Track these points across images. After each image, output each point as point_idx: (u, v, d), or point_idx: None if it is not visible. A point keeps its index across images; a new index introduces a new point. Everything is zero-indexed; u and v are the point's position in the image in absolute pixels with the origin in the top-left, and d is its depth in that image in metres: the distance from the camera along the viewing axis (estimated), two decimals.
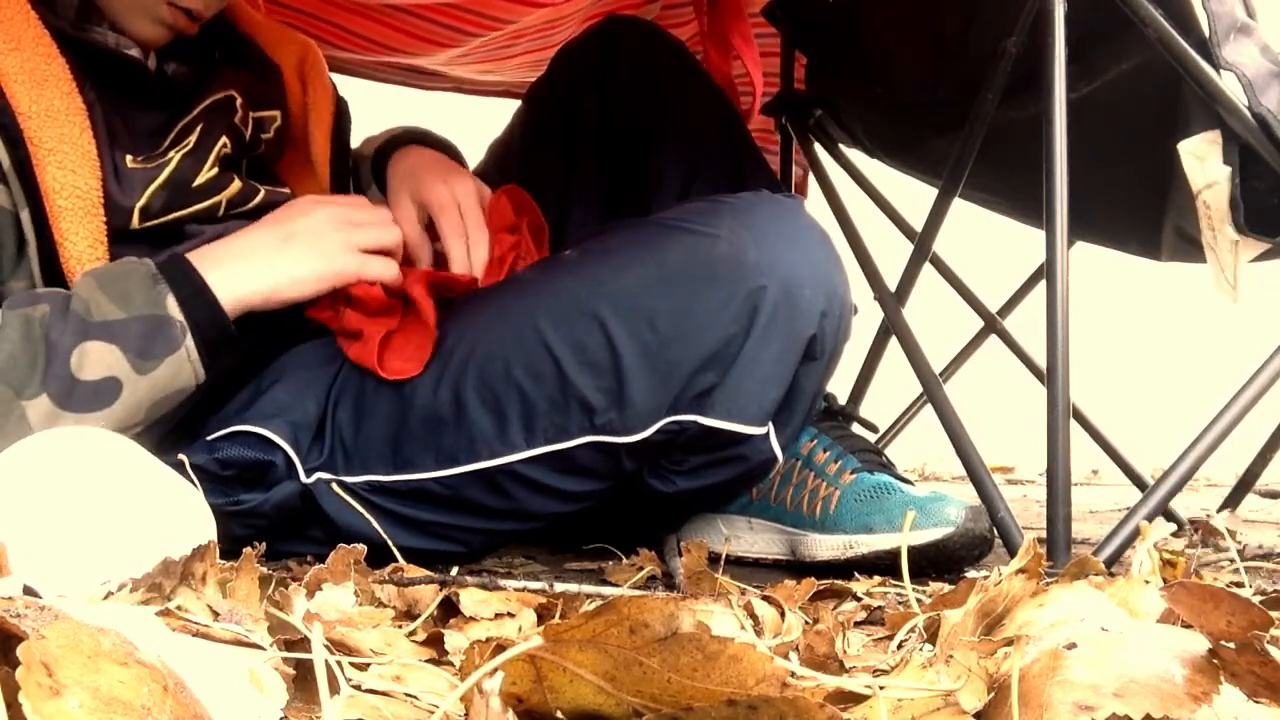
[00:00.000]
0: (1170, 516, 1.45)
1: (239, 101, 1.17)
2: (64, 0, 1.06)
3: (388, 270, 1.11)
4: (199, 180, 1.11)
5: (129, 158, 1.07)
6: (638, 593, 0.89)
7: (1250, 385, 1.13)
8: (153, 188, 1.07)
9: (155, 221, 1.07)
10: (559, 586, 0.84)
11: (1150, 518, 1.06)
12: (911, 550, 1.07)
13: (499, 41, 1.74)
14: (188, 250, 1.08)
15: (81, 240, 1.01)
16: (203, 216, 1.11)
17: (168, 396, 0.99)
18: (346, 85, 1.77)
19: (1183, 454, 1.10)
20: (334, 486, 1.07)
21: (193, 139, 1.12)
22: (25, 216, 1.01)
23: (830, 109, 1.69)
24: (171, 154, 1.10)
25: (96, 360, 0.95)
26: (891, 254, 1.57)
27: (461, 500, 1.08)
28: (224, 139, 1.14)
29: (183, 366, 0.99)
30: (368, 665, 0.54)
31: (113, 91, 1.07)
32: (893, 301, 1.46)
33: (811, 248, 1.08)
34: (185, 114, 1.13)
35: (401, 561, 0.90)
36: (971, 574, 1.04)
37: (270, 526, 1.06)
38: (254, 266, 1.05)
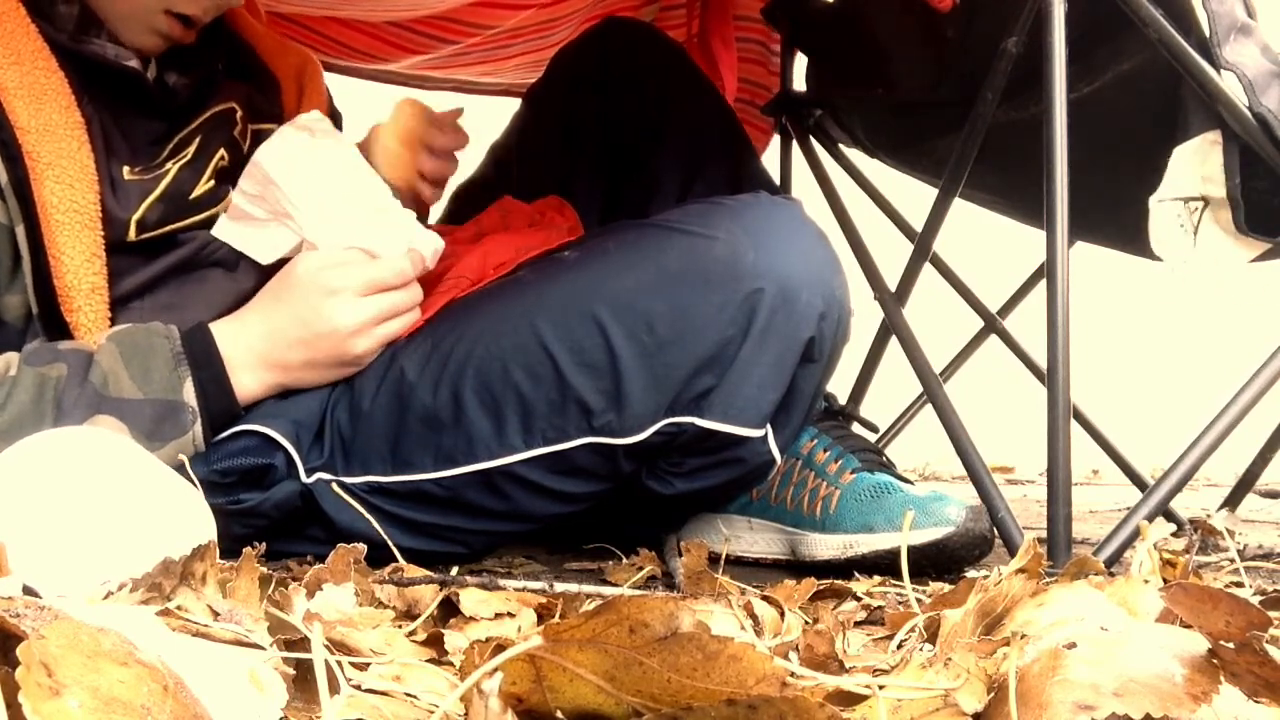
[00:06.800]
0: (1170, 516, 1.45)
1: (239, 114, 1.17)
2: (63, 13, 1.05)
3: (404, 326, 1.11)
4: (196, 192, 1.11)
5: (126, 169, 1.07)
6: (638, 593, 0.89)
7: (1250, 385, 1.13)
8: (149, 200, 1.07)
9: (151, 234, 1.08)
10: (559, 586, 0.84)
11: (1150, 518, 1.06)
12: (911, 550, 1.07)
13: (496, 42, 1.74)
14: (181, 258, 1.09)
15: (78, 255, 1.02)
16: (197, 228, 1.11)
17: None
18: (348, 85, 1.78)
19: (1183, 454, 1.10)
20: (334, 487, 1.07)
21: (191, 150, 1.11)
22: (20, 232, 1.01)
23: (830, 109, 1.69)
24: (169, 165, 1.09)
25: None
26: (891, 254, 1.57)
27: (460, 501, 1.08)
28: (221, 151, 1.14)
29: (186, 446, 1.03)
30: (368, 665, 0.54)
31: (112, 102, 1.07)
32: (893, 301, 1.46)
33: (810, 250, 1.08)
34: (185, 124, 1.13)
35: (401, 561, 0.90)
36: (971, 574, 1.04)
37: (270, 526, 1.06)
38: (278, 372, 1.08)
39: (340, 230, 1.08)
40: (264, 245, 1.11)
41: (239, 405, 1.06)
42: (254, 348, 1.06)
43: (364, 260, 1.08)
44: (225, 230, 1.11)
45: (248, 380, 1.06)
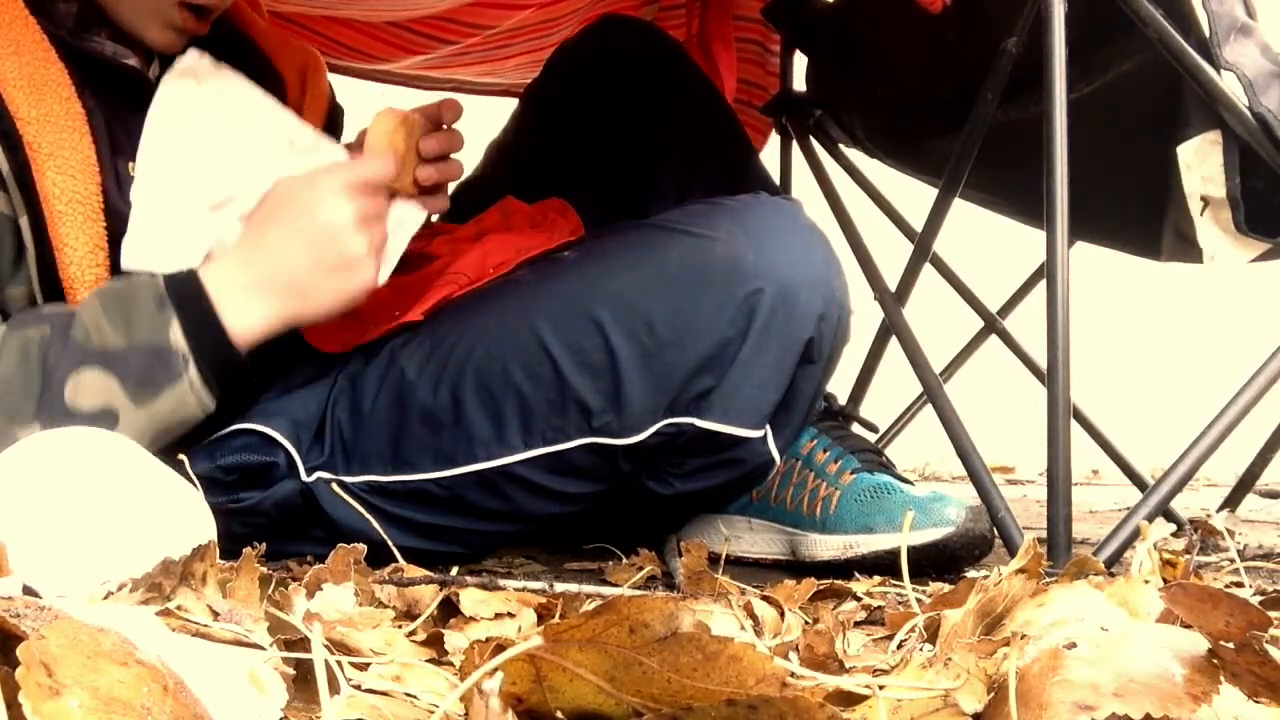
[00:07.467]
0: (1170, 516, 1.45)
1: None
2: (62, 10, 1.05)
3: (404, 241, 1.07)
4: None
5: (131, 165, 1.07)
6: (638, 593, 0.89)
7: (1250, 385, 1.13)
8: None
9: None
10: (559, 586, 0.84)
11: (1150, 518, 1.06)
12: (911, 550, 1.07)
13: (495, 42, 1.74)
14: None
15: (81, 246, 1.01)
16: None
17: (172, 426, 0.98)
18: (348, 85, 1.78)
19: (1183, 454, 1.10)
20: (334, 486, 1.07)
21: None
22: (24, 223, 1.00)
23: (830, 109, 1.69)
24: None
25: (92, 390, 0.94)
26: (891, 254, 1.57)
27: (459, 502, 1.08)
28: None
29: (186, 397, 0.97)
30: (368, 665, 0.54)
31: (112, 99, 1.07)
32: (893, 301, 1.46)
33: (809, 250, 1.08)
34: None
35: (401, 561, 0.90)
36: (971, 574, 1.04)
37: (270, 525, 1.06)
38: (275, 295, 1.00)
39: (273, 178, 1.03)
40: (184, 248, 1.02)
41: (235, 346, 0.99)
42: (246, 273, 1.00)
43: (347, 163, 1.04)
44: (135, 255, 1.02)
45: (244, 312, 0.99)
